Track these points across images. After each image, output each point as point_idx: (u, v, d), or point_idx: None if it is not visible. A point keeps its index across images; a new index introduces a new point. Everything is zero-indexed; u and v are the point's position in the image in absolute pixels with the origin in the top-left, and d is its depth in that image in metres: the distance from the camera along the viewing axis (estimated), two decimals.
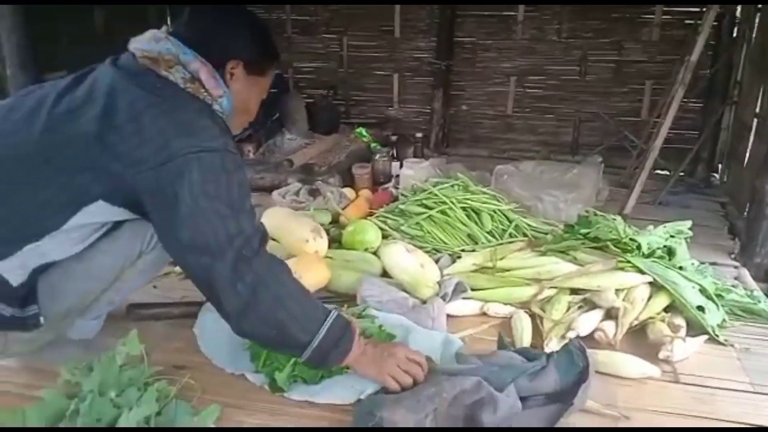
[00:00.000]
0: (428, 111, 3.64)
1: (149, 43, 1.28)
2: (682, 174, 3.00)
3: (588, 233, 1.91)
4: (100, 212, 1.26)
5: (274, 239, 2.05)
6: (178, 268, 1.95)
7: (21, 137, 1.23)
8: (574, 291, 1.73)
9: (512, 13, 3.37)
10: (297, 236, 1.95)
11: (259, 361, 1.42)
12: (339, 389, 1.36)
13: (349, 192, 2.61)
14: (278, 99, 3.41)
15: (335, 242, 2.09)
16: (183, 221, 1.18)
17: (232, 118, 1.39)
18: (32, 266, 1.26)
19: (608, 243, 1.87)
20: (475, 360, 1.35)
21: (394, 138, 3.35)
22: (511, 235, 2.15)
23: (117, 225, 1.35)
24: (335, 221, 2.34)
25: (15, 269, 1.24)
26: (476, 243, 2.11)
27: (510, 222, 2.21)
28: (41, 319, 1.29)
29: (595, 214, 2.04)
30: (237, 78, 1.34)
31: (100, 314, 1.51)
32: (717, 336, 1.61)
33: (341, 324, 1.30)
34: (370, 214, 2.33)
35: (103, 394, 1.22)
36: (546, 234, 2.16)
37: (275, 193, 2.55)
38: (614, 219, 1.99)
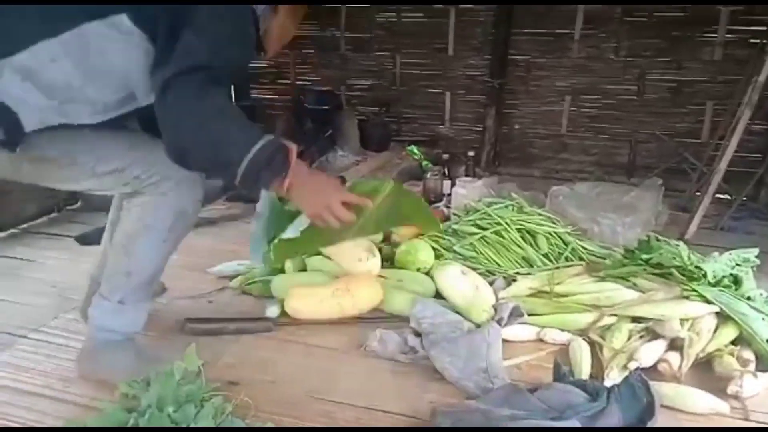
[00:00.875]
0: (480, 129, 3.61)
1: None
2: (744, 199, 2.89)
3: (650, 259, 1.85)
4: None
5: (327, 257, 2.05)
6: (233, 282, 1.98)
7: None
8: (636, 319, 1.67)
9: (568, 32, 3.33)
10: (350, 255, 1.94)
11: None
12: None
13: None
14: (331, 116, 3.45)
15: (387, 261, 2.08)
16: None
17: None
18: None
19: (671, 270, 1.80)
20: (534, 401, 1.30)
21: (445, 156, 3.33)
22: (567, 259, 2.10)
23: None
24: (387, 239, 2.33)
25: None
26: (531, 266, 2.07)
27: (566, 245, 2.16)
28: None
29: (657, 239, 1.97)
30: None
31: (123, 296, 1.45)
32: None
33: (276, 145, 1.32)
34: (422, 233, 2.31)
35: (161, 410, 1.23)
36: (604, 258, 2.10)
37: None
38: (677, 245, 1.93)
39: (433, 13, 3.53)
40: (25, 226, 2.57)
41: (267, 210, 1.82)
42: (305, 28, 3.67)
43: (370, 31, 3.68)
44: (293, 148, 1.38)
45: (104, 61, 1.29)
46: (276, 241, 1.70)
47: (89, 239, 2.39)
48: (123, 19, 1.26)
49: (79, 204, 2.81)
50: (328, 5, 3.61)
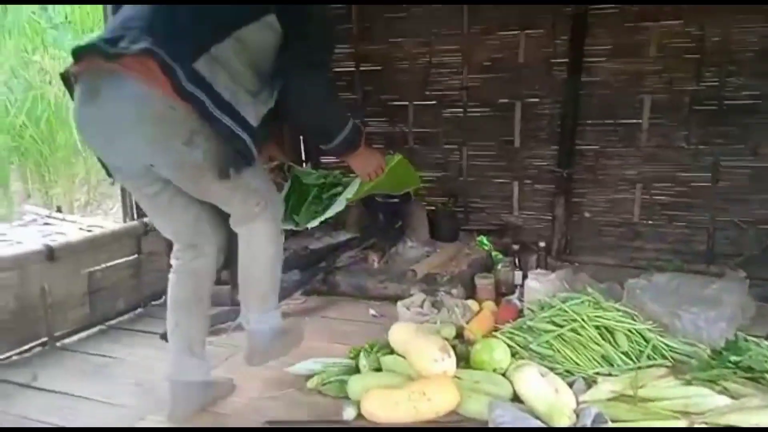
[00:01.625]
0: (549, 218, 3.60)
1: None
2: None
3: (740, 361, 1.77)
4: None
5: (401, 355, 2.07)
6: (310, 383, 2.01)
7: None
8: (729, 428, 1.59)
9: (636, 121, 3.34)
10: (426, 355, 1.95)
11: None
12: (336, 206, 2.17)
13: (473, 304, 2.60)
14: (400, 207, 3.52)
15: (462, 360, 2.07)
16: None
17: None
18: None
19: (764, 374, 1.71)
20: None
21: (515, 246, 3.32)
22: (648, 357, 2.03)
23: None
24: (459, 335, 2.33)
25: None
26: (611, 365, 2.01)
27: (647, 342, 2.09)
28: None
29: (746, 339, 1.89)
30: None
31: (265, 306, 1.96)
32: None
33: (359, 125, 1.95)
34: (496, 329, 2.30)
35: None
36: (688, 356, 2.02)
37: (399, 304, 2.58)
38: None
39: (498, 108, 3.63)
40: (113, 322, 2.71)
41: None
42: (375, 124, 3.84)
43: (436, 126, 3.81)
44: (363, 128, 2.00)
45: (261, 54, 1.69)
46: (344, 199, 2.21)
47: None
48: (273, 19, 1.66)
49: (162, 299, 2.94)
50: (395, 103, 3.78)
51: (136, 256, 2.86)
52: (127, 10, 1.66)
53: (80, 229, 3.36)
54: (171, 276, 1.94)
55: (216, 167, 1.64)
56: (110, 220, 4.59)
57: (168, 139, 1.59)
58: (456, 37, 3.66)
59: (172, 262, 1.95)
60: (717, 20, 3.11)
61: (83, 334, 2.58)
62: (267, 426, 1.75)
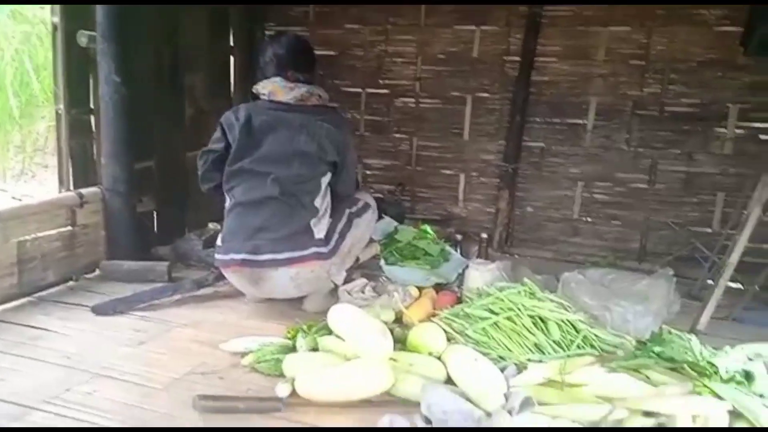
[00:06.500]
0: (492, 210, 3.67)
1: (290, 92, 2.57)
2: (757, 289, 2.88)
3: (662, 352, 1.85)
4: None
5: (339, 336, 2.07)
6: (244, 360, 1.99)
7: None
8: (648, 413, 1.66)
9: (582, 122, 3.44)
10: (362, 336, 1.96)
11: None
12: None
13: (413, 290, 2.62)
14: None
15: (399, 343, 2.09)
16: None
17: None
18: None
19: (683, 364, 1.80)
20: None
21: (458, 236, 3.38)
22: (579, 347, 2.10)
23: None
24: (399, 320, 2.35)
25: None
26: (543, 353, 2.06)
27: (578, 332, 2.16)
28: None
29: (669, 332, 1.98)
30: None
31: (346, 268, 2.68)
32: None
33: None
34: (434, 315, 2.33)
35: None
36: (616, 347, 2.10)
37: (341, 289, 2.58)
38: (689, 338, 1.93)
39: (450, 101, 3.67)
40: (43, 294, 2.62)
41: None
42: None
43: (388, 114, 3.82)
44: None
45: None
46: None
47: (105, 310, 2.43)
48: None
49: (96, 273, 2.87)
50: (350, 89, 3.77)
51: (70, 227, 2.77)
52: None
53: (13, 198, 3.23)
54: None
55: None
56: (45, 190, 4.42)
57: None
58: (412, 27, 3.70)
59: None
60: (662, 30, 3.24)
61: (10, 305, 2.48)
62: (198, 400, 1.72)
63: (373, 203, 2.87)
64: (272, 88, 2.57)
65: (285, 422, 1.69)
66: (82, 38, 2.79)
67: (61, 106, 2.82)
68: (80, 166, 2.93)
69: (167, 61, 3.24)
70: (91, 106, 2.93)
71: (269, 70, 2.63)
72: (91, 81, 2.91)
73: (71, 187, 2.87)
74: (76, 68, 2.85)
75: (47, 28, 2.81)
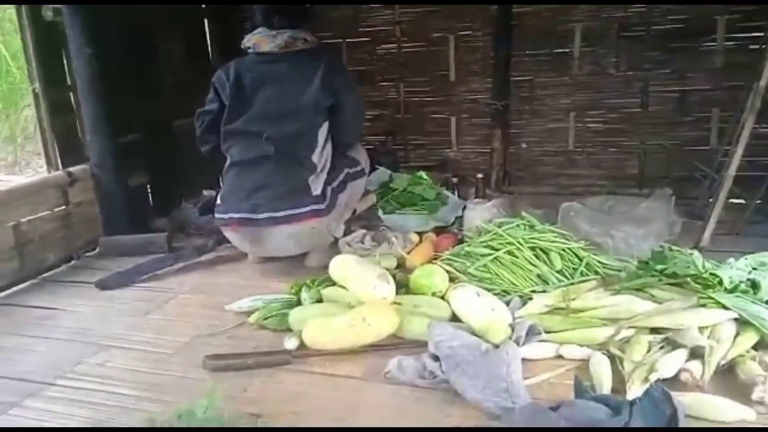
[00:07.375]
0: (487, 151, 3.63)
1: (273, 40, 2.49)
2: (759, 202, 2.86)
3: (664, 269, 1.84)
4: None
5: (342, 286, 2.07)
6: (251, 318, 2.00)
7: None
8: (654, 330, 1.67)
9: (567, 50, 3.37)
10: (364, 283, 1.96)
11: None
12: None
13: (413, 236, 2.62)
14: None
15: (402, 287, 2.09)
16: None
17: None
18: None
19: (687, 279, 1.79)
20: (557, 419, 1.29)
21: (454, 179, 3.36)
22: (582, 274, 2.10)
23: None
24: (401, 266, 2.35)
25: None
26: (546, 283, 2.07)
27: (580, 260, 2.15)
28: None
29: (671, 249, 1.97)
30: None
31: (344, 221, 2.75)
32: None
33: None
34: (436, 258, 2.33)
35: None
36: (619, 271, 2.09)
37: (342, 241, 2.58)
38: (691, 253, 1.92)
39: (433, 42, 3.60)
40: (46, 275, 2.62)
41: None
42: None
43: (371, 63, 3.75)
44: None
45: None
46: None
47: (109, 284, 2.43)
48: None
49: (96, 251, 2.86)
50: (328, 41, 3.68)
51: (63, 207, 2.75)
52: None
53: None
54: None
55: None
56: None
57: None
58: None
59: None
60: None
61: (15, 289, 2.49)
62: (207, 360, 1.74)
63: (367, 167, 2.86)
64: (256, 39, 2.51)
65: (296, 373, 1.70)
66: (48, 12, 2.71)
67: (38, 85, 2.75)
68: (67, 144, 2.88)
69: (139, 29, 3.15)
70: (69, 83, 2.87)
71: (257, 20, 2.57)
72: (64, 57, 2.84)
73: (60, 167, 2.84)
74: (47, 45, 2.77)
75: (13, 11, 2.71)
